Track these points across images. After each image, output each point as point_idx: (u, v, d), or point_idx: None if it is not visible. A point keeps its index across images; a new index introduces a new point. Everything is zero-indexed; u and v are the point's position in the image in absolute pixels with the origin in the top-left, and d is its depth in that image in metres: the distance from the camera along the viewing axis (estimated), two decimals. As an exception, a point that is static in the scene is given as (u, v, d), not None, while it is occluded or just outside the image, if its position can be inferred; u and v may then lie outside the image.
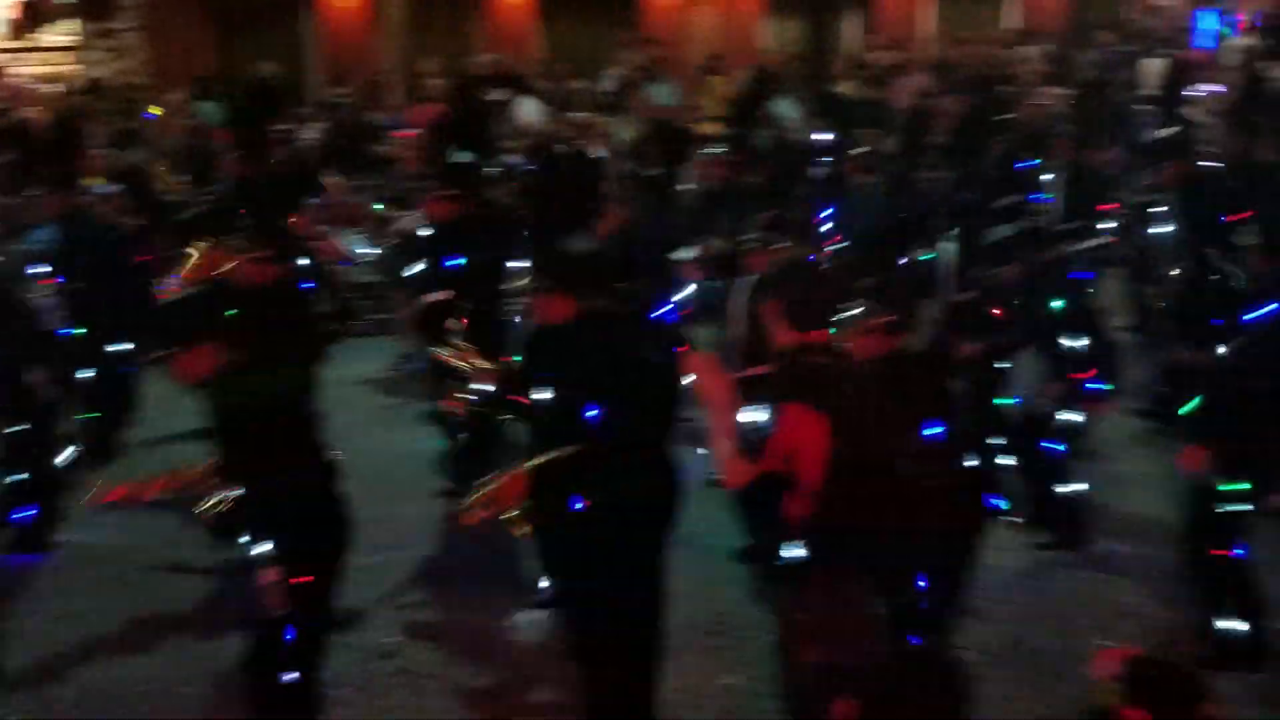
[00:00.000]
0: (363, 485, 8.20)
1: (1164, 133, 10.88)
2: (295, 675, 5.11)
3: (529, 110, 15.56)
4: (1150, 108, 14.37)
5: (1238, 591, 5.95)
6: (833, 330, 4.51)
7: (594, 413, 4.70)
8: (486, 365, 5.65)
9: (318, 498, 5.16)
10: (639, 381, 4.90)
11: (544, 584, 6.41)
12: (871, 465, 4.21)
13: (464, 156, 9.85)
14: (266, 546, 5.00)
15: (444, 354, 6.13)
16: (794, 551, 4.46)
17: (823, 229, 10.17)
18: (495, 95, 16.09)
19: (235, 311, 5.39)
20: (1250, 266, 6.42)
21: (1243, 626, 5.91)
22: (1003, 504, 5.16)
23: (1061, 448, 7.27)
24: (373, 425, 9.63)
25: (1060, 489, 7.35)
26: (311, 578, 5.06)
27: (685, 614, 6.55)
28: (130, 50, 18.69)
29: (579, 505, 4.81)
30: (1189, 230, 8.82)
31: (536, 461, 4.92)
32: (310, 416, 5.22)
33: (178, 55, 18.44)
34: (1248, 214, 8.26)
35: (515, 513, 5.00)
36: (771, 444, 4.26)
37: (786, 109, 16.75)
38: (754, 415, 4.35)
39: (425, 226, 8.67)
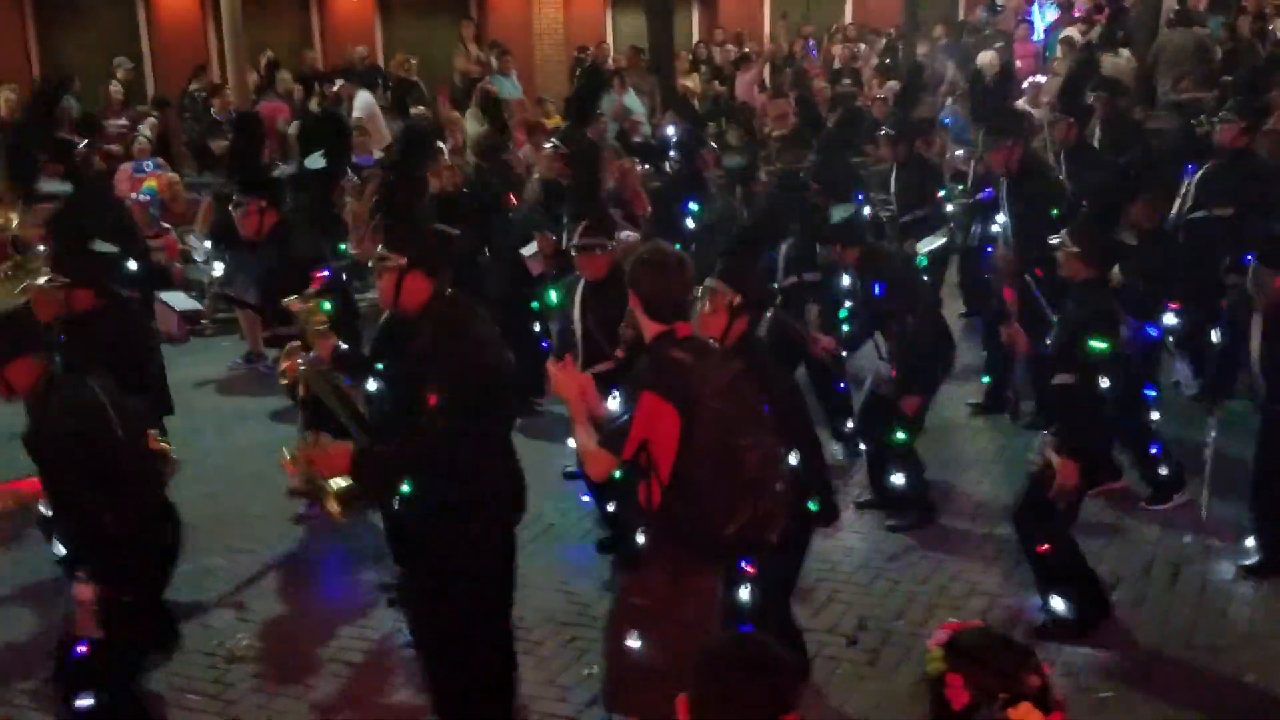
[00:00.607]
0: (210, 486, 8.13)
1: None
2: (93, 700, 4.90)
3: (363, 104, 15.37)
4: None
5: (1067, 570, 6.16)
6: (692, 320, 4.52)
7: (436, 400, 4.66)
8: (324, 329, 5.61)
9: (146, 518, 4.97)
10: (482, 370, 4.89)
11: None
12: (720, 459, 4.24)
13: (316, 162, 9.63)
14: (82, 565, 4.84)
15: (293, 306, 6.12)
16: (640, 539, 4.48)
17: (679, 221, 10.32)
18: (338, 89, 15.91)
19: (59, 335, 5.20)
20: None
21: (1069, 602, 6.12)
22: (812, 506, 5.23)
23: (902, 436, 7.44)
24: (219, 425, 9.41)
25: (906, 472, 7.52)
26: (130, 597, 4.88)
27: (547, 606, 6.57)
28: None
29: (405, 492, 4.83)
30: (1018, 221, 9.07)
31: (365, 445, 4.90)
32: (133, 428, 5.03)
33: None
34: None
35: (329, 487, 4.97)
36: (628, 434, 4.26)
37: (632, 102, 16.89)
38: (613, 405, 4.35)
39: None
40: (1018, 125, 9.69)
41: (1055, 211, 8.44)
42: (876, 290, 7.38)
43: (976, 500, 7.90)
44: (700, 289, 5.21)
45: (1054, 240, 6.49)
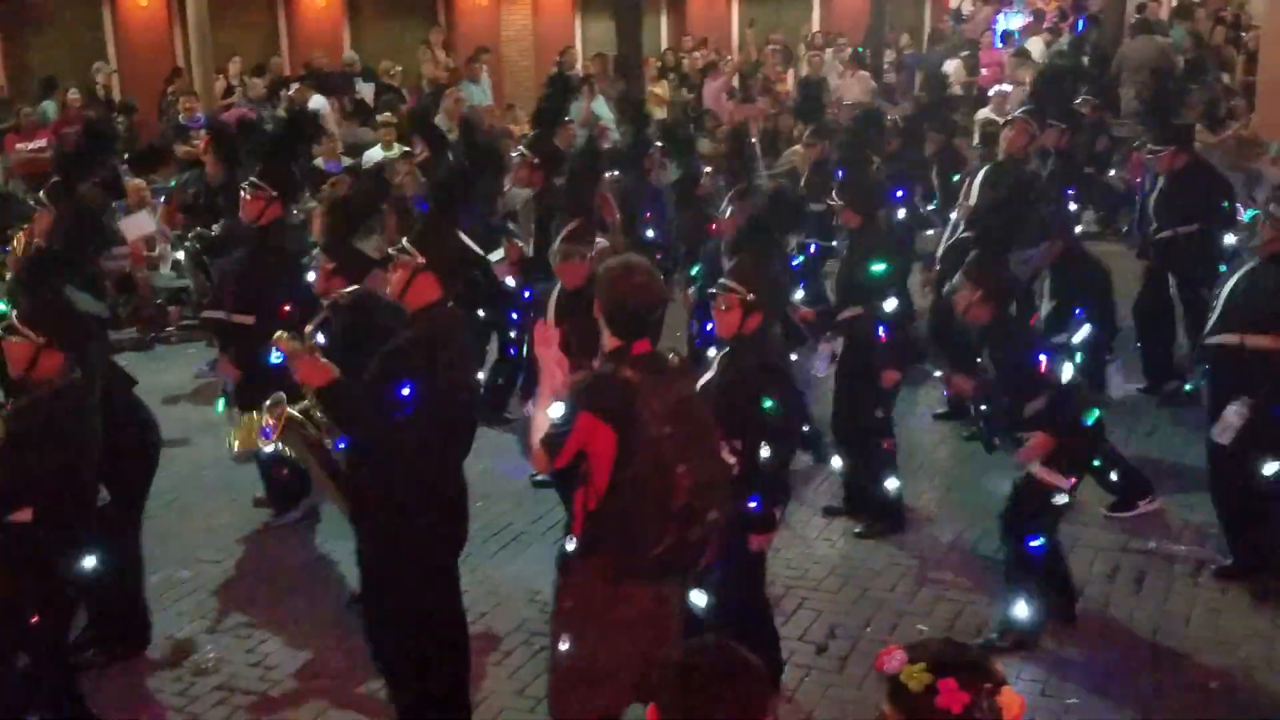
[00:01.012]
0: (175, 496, 8.07)
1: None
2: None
3: (316, 107, 15.34)
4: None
5: (1047, 572, 6.20)
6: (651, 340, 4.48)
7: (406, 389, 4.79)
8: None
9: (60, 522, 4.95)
10: (454, 383, 4.98)
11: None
12: (654, 484, 4.22)
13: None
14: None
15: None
16: (570, 544, 4.49)
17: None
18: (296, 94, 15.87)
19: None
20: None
21: (1034, 606, 6.13)
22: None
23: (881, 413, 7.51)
24: (185, 434, 9.34)
25: (882, 480, 7.55)
26: (46, 611, 4.89)
27: (517, 615, 6.56)
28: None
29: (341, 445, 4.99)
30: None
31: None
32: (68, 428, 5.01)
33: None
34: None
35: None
36: (567, 442, 4.27)
37: (600, 109, 16.90)
38: (558, 411, 4.34)
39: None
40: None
41: None
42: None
43: (941, 507, 7.93)
44: (712, 289, 5.49)
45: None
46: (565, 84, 11.67)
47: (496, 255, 8.93)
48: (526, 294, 8.74)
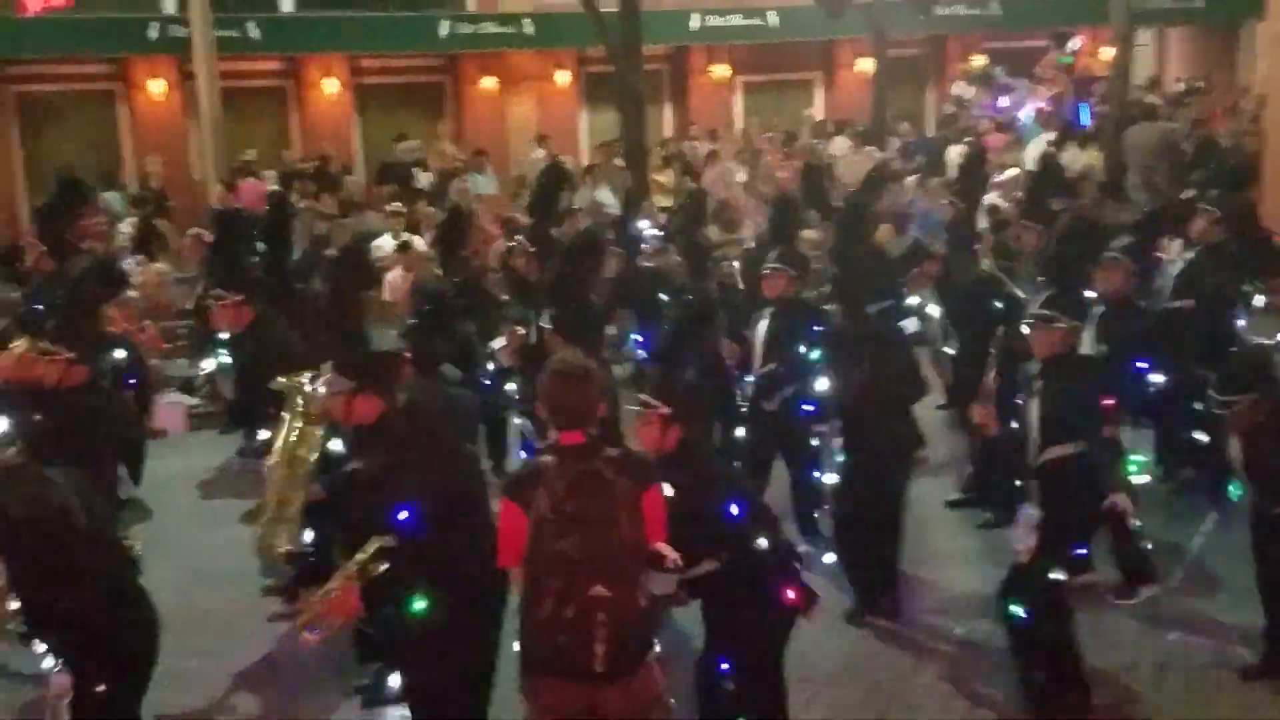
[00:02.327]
0: (184, 584, 8.03)
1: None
2: None
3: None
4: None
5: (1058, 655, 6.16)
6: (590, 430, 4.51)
7: (404, 513, 4.77)
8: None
9: (110, 604, 4.95)
10: (451, 470, 5.00)
11: (387, 679, 6.32)
12: (535, 564, 4.34)
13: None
14: (56, 657, 4.87)
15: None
16: None
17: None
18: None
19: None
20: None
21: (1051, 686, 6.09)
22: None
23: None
24: (197, 521, 9.34)
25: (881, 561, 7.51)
26: (106, 689, 4.88)
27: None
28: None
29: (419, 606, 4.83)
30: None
31: (362, 567, 4.86)
32: (98, 519, 5.03)
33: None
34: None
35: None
36: (500, 533, 4.47)
37: (604, 196, 17.06)
38: None
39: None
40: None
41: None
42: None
43: (954, 595, 7.85)
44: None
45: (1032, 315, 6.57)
46: (558, 175, 11.80)
47: (498, 342, 8.97)
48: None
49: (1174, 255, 10.69)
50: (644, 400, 5.43)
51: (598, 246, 9.75)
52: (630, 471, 4.46)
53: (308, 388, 6.40)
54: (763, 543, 5.20)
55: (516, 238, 10.15)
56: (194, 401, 10.95)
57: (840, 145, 19.38)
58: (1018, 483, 6.72)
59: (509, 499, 4.43)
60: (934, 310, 9.86)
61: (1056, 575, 6.05)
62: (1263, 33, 18.96)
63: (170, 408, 10.25)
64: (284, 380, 6.67)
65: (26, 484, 4.92)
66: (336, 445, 6.27)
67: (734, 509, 5.20)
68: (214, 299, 8.01)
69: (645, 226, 13.47)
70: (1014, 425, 6.96)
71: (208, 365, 10.04)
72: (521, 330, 8.97)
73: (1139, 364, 8.11)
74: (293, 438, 6.36)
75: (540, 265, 9.50)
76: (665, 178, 18.65)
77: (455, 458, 5.25)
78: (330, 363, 5.29)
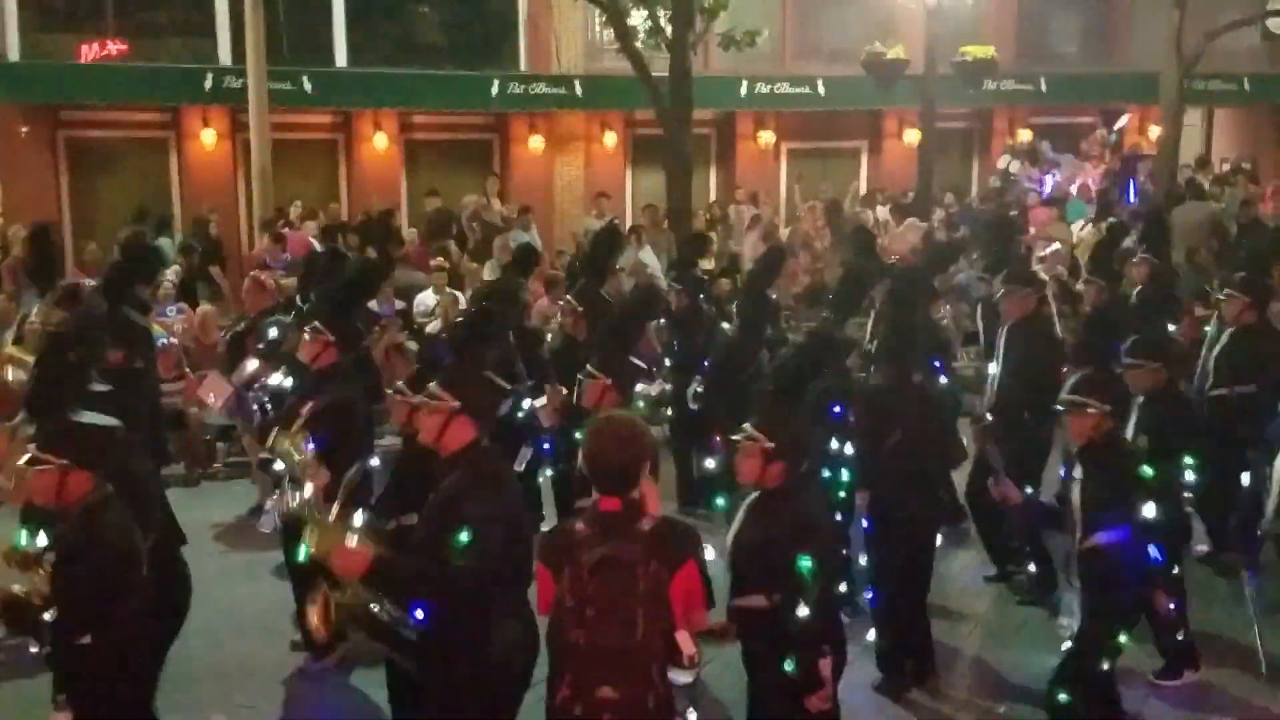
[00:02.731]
0: (213, 637, 8.01)
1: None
2: None
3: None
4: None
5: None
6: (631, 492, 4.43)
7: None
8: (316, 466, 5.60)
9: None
10: (511, 521, 4.94)
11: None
12: (555, 643, 4.36)
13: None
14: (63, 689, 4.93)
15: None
16: None
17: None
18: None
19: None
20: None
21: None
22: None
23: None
24: (225, 573, 9.32)
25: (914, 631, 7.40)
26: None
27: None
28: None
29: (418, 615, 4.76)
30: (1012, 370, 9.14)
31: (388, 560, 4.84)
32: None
33: (28, 192, 18.18)
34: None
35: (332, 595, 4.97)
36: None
37: (647, 257, 17.11)
38: None
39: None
40: (1031, 275, 9.84)
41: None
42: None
43: (994, 671, 7.71)
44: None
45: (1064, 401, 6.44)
46: (613, 236, 11.81)
47: (539, 401, 8.93)
48: (547, 446, 8.90)
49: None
50: (748, 431, 5.31)
51: (655, 300, 9.76)
52: (662, 551, 4.31)
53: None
54: (804, 613, 4.99)
55: (566, 296, 10.12)
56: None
57: (883, 214, 19.40)
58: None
59: (541, 561, 4.42)
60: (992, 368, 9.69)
61: (1105, 664, 5.95)
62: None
63: (217, 380, 10.12)
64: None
65: (117, 514, 5.05)
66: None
67: (805, 563, 5.00)
68: (309, 331, 7.92)
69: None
70: (1029, 490, 6.84)
71: (250, 365, 9.83)
72: (564, 390, 8.93)
73: (1187, 461, 7.90)
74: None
75: (589, 325, 9.46)
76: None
77: (519, 506, 5.18)
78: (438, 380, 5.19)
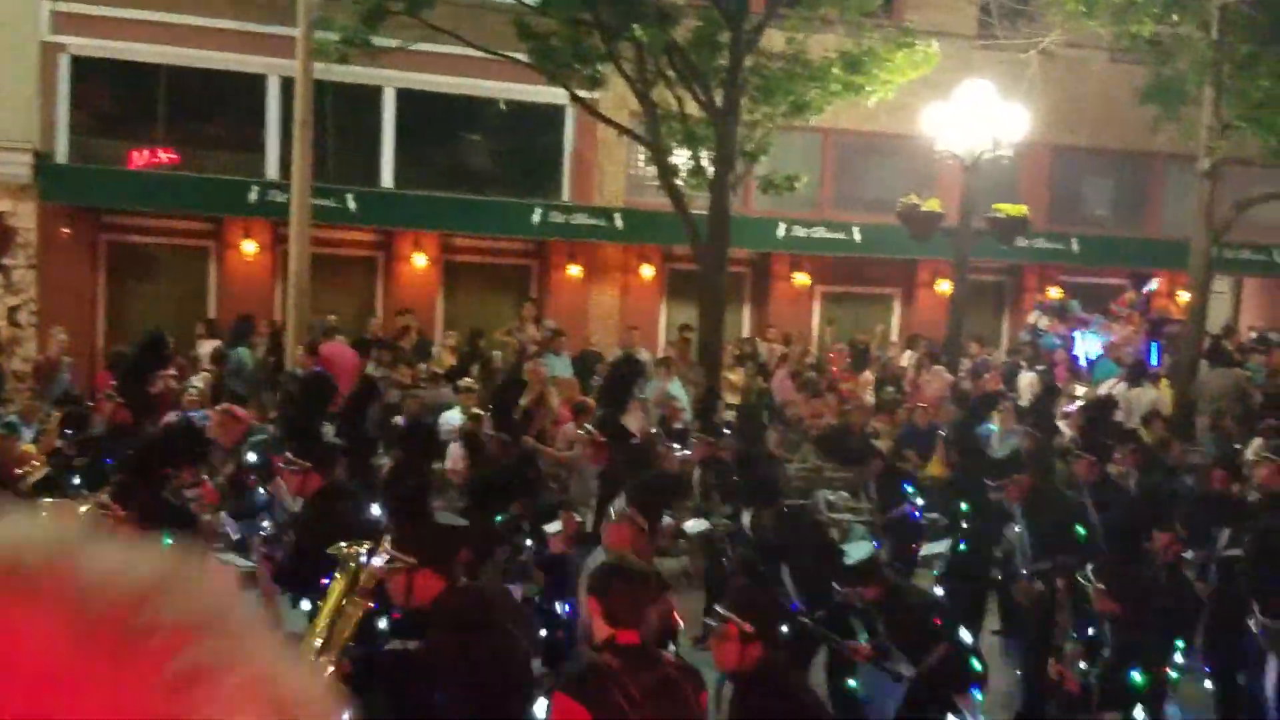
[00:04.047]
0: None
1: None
2: None
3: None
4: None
5: None
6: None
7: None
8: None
9: None
10: (491, 669, 4.96)
11: None
12: None
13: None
14: None
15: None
16: None
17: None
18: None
19: None
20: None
21: None
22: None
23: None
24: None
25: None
26: None
27: None
28: (20, 287, 18.59)
29: None
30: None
31: None
32: None
33: (67, 297, 18.45)
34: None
35: None
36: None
37: (676, 389, 17.22)
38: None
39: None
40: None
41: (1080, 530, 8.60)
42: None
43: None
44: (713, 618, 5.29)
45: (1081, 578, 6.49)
46: (630, 367, 11.90)
47: (554, 527, 8.96)
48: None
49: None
50: (722, 613, 5.14)
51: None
52: (690, 676, 4.46)
53: (363, 559, 6.40)
54: None
55: (585, 425, 10.16)
56: (247, 564, 10.80)
57: (909, 359, 19.55)
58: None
59: (570, 696, 4.33)
60: (1018, 529, 9.75)
61: None
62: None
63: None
64: (342, 547, 6.66)
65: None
66: (382, 623, 6.26)
67: None
68: (285, 464, 8.10)
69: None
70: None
71: (266, 524, 9.92)
72: (578, 517, 8.94)
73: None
74: (342, 608, 6.30)
75: (610, 455, 9.52)
76: (736, 376, 18.85)
77: (510, 649, 5.20)
78: (389, 536, 5.22)
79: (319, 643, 5.83)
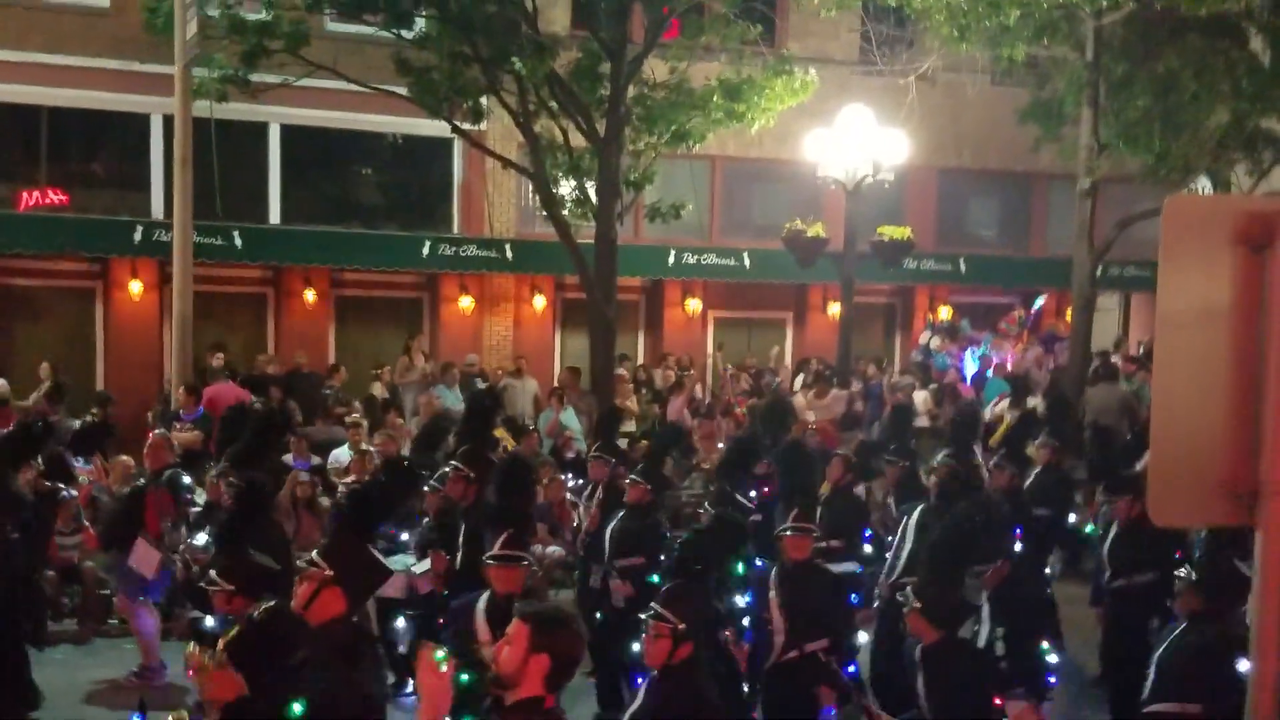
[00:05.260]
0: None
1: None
2: None
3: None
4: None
5: None
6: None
7: None
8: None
9: None
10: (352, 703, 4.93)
11: None
12: None
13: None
14: None
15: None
16: None
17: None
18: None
19: None
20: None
21: None
22: None
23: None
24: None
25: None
26: None
27: None
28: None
29: None
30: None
31: None
32: None
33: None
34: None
35: None
36: None
37: (569, 419, 17.27)
38: None
39: None
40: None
41: None
42: None
43: None
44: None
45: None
46: (485, 402, 11.78)
47: (422, 565, 8.92)
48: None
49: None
50: (658, 611, 5.38)
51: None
52: None
53: None
54: None
55: (451, 462, 9.93)
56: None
57: (799, 384, 19.75)
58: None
59: None
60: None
61: None
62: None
63: (146, 549, 10.05)
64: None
65: None
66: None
67: None
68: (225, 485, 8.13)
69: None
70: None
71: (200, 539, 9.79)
72: (447, 556, 8.88)
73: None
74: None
75: (476, 491, 9.37)
76: (633, 403, 18.91)
77: (370, 694, 5.15)
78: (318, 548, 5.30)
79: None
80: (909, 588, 6.57)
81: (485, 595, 7.10)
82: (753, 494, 11.24)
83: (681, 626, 5.32)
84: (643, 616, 5.57)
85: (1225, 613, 6.81)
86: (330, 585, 5.08)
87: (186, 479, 10.76)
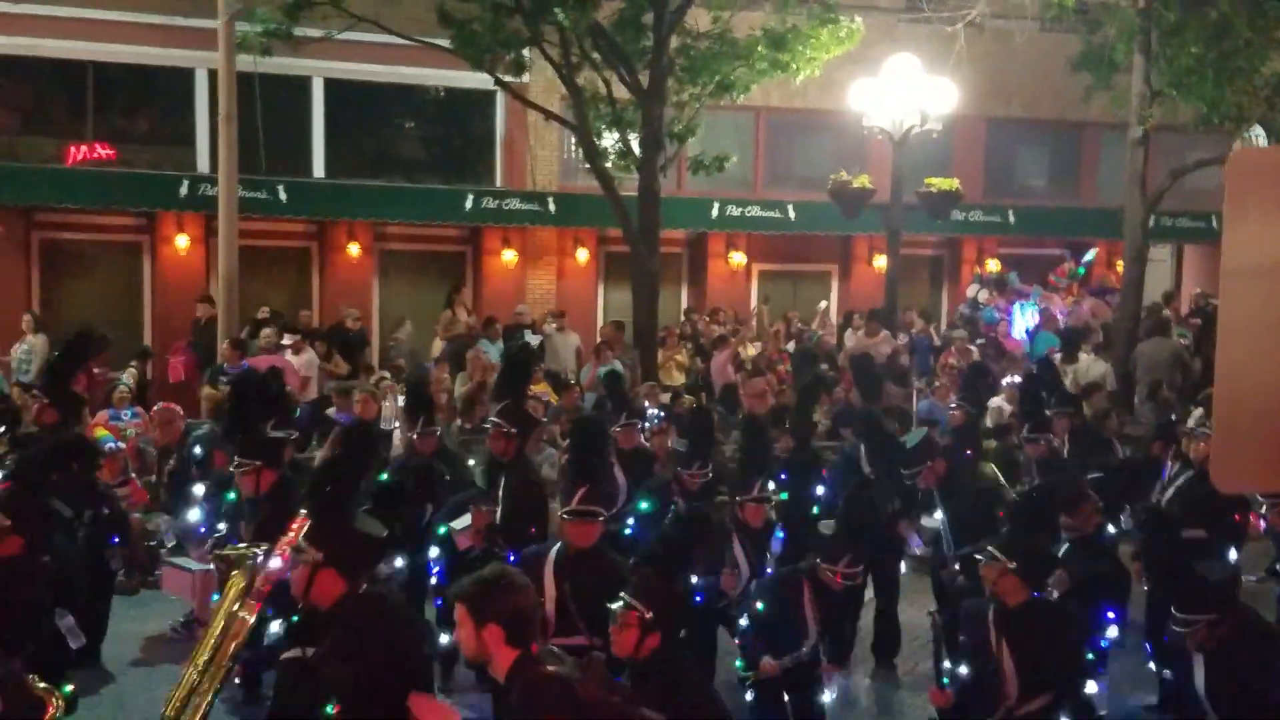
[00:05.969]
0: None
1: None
2: None
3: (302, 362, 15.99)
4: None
5: None
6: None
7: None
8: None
9: None
10: (384, 675, 4.89)
11: None
12: None
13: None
14: None
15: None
16: None
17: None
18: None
19: None
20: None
21: None
22: None
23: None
24: (150, 686, 9.22)
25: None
26: None
27: None
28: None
29: None
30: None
31: None
32: None
33: (0, 296, 18.26)
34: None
35: None
36: None
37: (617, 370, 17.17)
38: None
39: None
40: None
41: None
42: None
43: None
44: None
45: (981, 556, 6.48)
46: (524, 355, 11.70)
47: (464, 521, 8.86)
48: (511, 557, 8.69)
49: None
50: (626, 600, 5.31)
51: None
52: None
53: (259, 559, 6.33)
54: None
55: (492, 418, 9.84)
56: (202, 567, 10.59)
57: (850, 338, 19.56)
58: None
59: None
60: (937, 516, 9.76)
61: None
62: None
63: (176, 574, 10.03)
64: (239, 548, 6.61)
65: None
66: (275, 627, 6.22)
67: None
68: (235, 469, 8.24)
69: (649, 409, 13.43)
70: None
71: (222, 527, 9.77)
72: (488, 509, 8.83)
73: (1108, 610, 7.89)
74: (236, 610, 6.26)
75: (517, 447, 9.33)
76: (682, 356, 18.82)
77: (408, 660, 5.08)
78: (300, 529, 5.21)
79: (208, 653, 5.80)
80: (989, 547, 6.43)
81: (557, 546, 7.19)
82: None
83: (649, 615, 5.24)
84: (611, 607, 5.48)
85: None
86: (323, 568, 5.02)
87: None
